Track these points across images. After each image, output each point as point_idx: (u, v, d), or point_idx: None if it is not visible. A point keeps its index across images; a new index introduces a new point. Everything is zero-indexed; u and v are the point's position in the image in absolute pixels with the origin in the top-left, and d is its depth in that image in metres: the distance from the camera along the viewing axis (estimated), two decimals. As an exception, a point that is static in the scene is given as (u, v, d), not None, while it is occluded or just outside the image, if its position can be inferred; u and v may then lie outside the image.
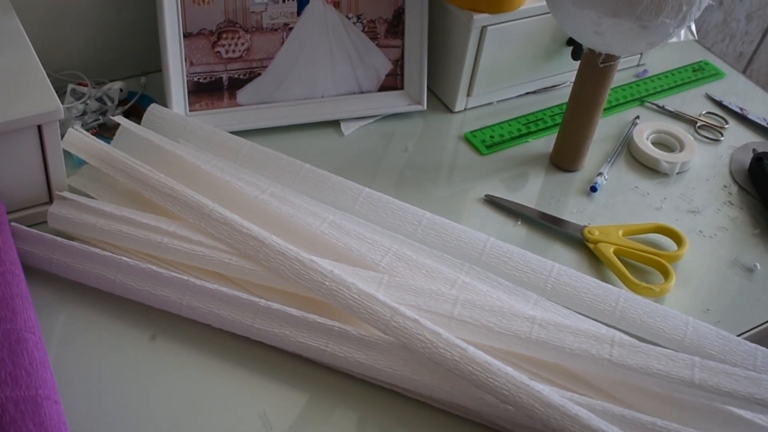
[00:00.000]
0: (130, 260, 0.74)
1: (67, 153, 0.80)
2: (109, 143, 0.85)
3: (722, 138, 1.03)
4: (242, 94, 0.95)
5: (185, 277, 0.73)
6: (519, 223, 0.88)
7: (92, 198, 0.81)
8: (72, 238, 0.77)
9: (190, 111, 0.93)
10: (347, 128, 0.98)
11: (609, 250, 0.83)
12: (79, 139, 0.81)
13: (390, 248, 0.77)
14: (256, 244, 0.73)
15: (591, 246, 0.85)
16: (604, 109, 0.92)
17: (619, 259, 0.83)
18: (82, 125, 0.87)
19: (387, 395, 0.70)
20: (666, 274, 0.82)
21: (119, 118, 0.85)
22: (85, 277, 0.74)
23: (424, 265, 0.76)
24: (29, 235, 0.76)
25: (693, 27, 1.19)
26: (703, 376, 0.67)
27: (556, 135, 0.96)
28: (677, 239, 0.86)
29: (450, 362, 0.65)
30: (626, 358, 0.68)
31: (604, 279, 0.82)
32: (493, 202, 0.90)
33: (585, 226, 0.86)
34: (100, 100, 0.91)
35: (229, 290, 0.72)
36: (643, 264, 0.84)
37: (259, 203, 0.79)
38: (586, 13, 0.77)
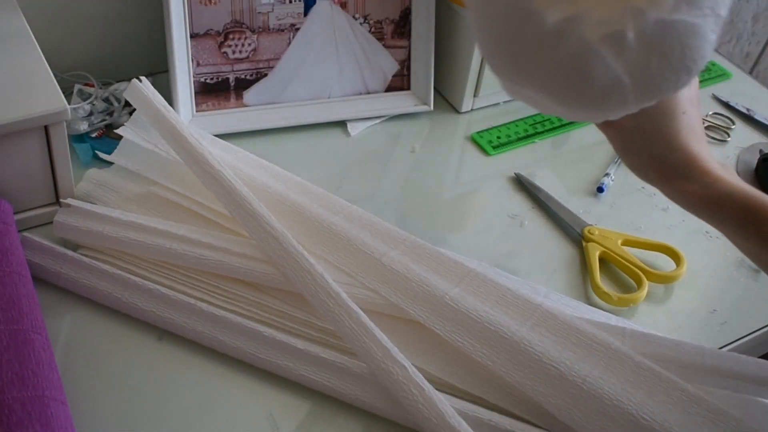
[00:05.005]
0: (138, 279, 0.73)
1: (73, 153, 0.80)
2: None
3: (729, 139, 1.03)
4: (249, 95, 0.95)
5: (192, 301, 0.72)
6: (525, 224, 0.88)
7: (99, 203, 0.81)
8: (79, 246, 0.78)
9: (196, 112, 0.93)
10: (354, 129, 0.98)
11: (595, 252, 0.83)
12: (143, 87, 0.83)
13: (403, 239, 0.77)
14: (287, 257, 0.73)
15: (583, 244, 0.85)
16: (612, 110, 0.91)
17: (604, 263, 0.83)
18: (89, 125, 0.88)
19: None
20: (639, 287, 0.80)
21: (122, 130, 0.85)
22: (92, 292, 0.74)
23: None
24: (39, 246, 0.76)
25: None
26: (714, 363, 0.68)
27: (562, 136, 0.96)
28: (677, 260, 0.84)
29: (426, 421, 0.64)
30: (638, 347, 0.69)
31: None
32: (520, 181, 0.93)
33: (587, 225, 0.86)
34: (106, 100, 0.91)
35: (234, 317, 0.72)
36: (625, 274, 0.83)
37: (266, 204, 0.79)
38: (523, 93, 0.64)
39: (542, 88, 0.51)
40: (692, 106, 0.60)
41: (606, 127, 0.62)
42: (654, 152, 0.60)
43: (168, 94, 0.92)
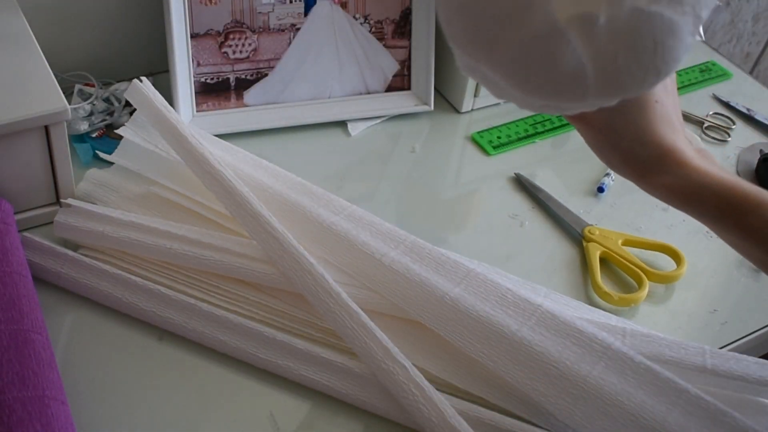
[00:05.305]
0: (139, 279, 0.73)
1: (73, 153, 0.80)
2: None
3: (729, 139, 1.03)
4: (249, 95, 0.95)
5: (192, 301, 0.72)
6: (525, 224, 0.88)
7: (100, 203, 0.81)
8: (80, 246, 0.78)
9: (197, 112, 0.93)
10: (354, 129, 0.98)
11: (596, 252, 0.83)
12: (143, 88, 0.83)
13: (405, 240, 0.77)
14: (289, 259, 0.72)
15: (584, 244, 0.85)
16: (612, 110, 0.91)
17: (604, 263, 0.83)
18: (89, 125, 0.88)
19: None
20: (640, 286, 0.80)
21: (123, 130, 0.85)
22: (92, 293, 0.74)
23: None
24: (40, 246, 0.76)
25: (700, 28, 1.19)
26: (715, 362, 0.68)
27: (562, 136, 0.95)
28: (677, 260, 0.84)
29: (426, 421, 0.64)
30: (639, 347, 0.69)
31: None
32: (520, 181, 0.93)
33: (587, 225, 0.86)
34: (107, 100, 0.91)
35: (234, 317, 0.72)
36: (626, 274, 0.83)
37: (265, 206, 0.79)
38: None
39: (498, 65, 0.47)
40: (666, 93, 0.57)
41: (576, 119, 0.58)
42: (626, 146, 0.56)
43: (168, 94, 0.92)
